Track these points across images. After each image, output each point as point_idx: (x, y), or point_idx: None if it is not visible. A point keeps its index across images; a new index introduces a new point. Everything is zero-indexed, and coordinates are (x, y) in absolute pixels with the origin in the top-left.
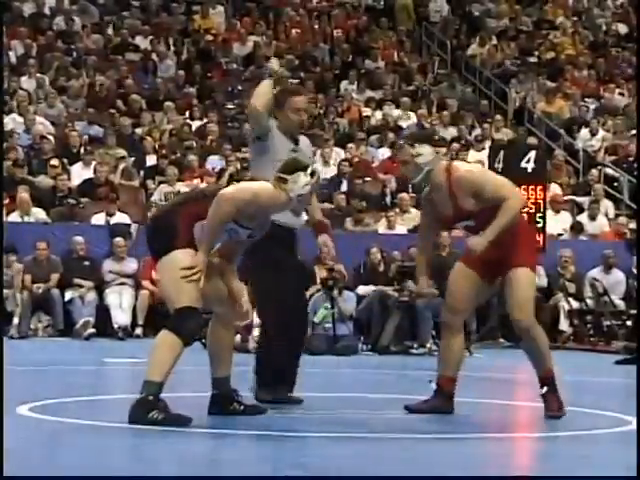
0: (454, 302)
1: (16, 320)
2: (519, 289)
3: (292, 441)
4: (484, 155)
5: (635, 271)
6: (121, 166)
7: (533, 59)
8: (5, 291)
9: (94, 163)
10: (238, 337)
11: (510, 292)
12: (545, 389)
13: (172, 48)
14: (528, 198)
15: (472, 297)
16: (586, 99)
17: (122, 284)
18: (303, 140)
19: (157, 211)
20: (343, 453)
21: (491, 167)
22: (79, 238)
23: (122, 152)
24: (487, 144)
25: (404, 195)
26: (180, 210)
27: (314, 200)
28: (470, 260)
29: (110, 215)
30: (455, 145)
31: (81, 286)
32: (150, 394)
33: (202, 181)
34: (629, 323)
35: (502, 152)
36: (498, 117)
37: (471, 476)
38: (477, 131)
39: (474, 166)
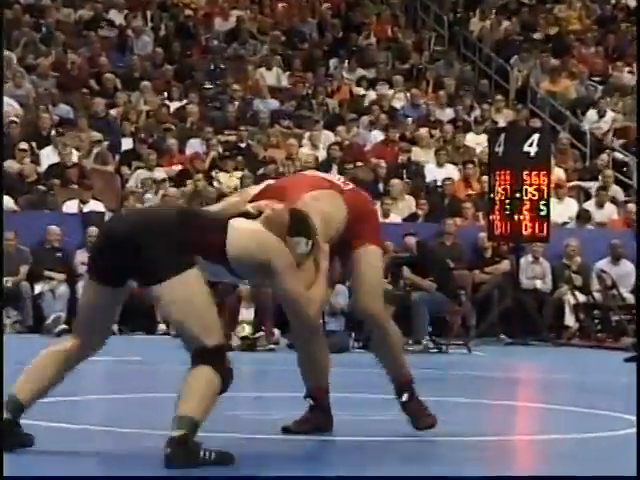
0: None
1: None
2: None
3: (280, 443)
4: (483, 138)
5: None
6: (95, 150)
7: (537, 35)
8: None
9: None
10: None
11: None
12: (405, 396)
13: (149, 23)
14: (531, 184)
15: None
16: (593, 78)
17: None
18: None
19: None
20: (331, 457)
21: (491, 151)
22: (54, 228)
23: (97, 135)
24: (487, 126)
25: (396, 181)
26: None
27: None
28: None
29: (83, 203)
30: (449, 127)
31: (52, 279)
32: (191, 433)
33: (183, 166)
34: None
35: (503, 135)
36: (499, 97)
37: (471, 476)
38: (476, 112)
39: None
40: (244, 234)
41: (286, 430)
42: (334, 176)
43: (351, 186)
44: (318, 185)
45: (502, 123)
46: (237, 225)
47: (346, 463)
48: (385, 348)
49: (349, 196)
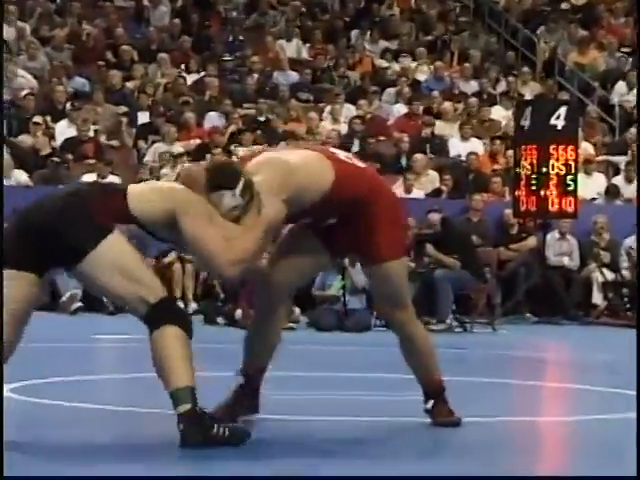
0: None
1: None
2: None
3: (295, 424)
4: (509, 112)
5: None
6: (124, 121)
7: (564, 5)
8: None
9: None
10: (239, 312)
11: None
12: (430, 403)
13: None
14: (558, 159)
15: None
16: (623, 49)
17: None
18: None
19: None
20: (350, 438)
21: (517, 125)
22: None
23: (121, 108)
24: (513, 99)
25: (419, 156)
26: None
27: None
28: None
29: (102, 178)
30: (473, 100)
31: None
32: (194, 402)
33: (201, 140)
34: None
35: (529, 108)
36: (525, 69)
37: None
38: (502, 85)
39: None
40: (144, 191)
41: (211, 417)
42: (342, 153)
43: (360, 164)
44: (301, 147)
45: (528, 96)
46: (136, 185)
47: (365, 445)
48: (411, 355)
49: (345, 166)
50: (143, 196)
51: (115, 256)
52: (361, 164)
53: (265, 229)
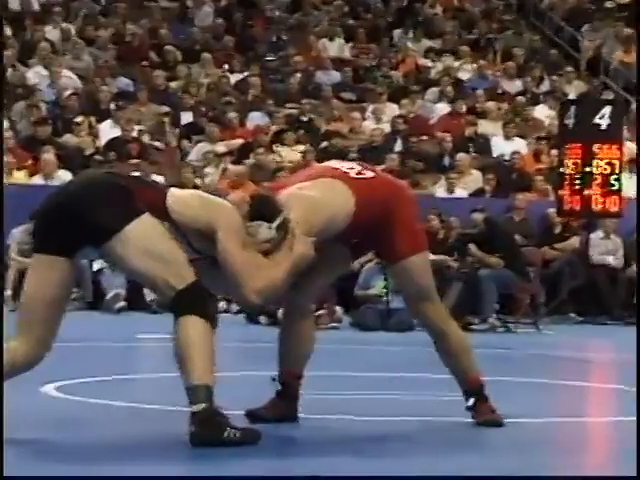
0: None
1: None
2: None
3: (334, 423)
4: (553, 111)
5: None
6: (167, 121)
7: (609, 3)
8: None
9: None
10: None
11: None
12: (471, 401)
13: None
14: (602, 158)
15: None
16: None
17: None
18: None
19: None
20: (390, 437)
21: (561, 124)
22: None
23: (165, 108)
24: (557, 98)
25: (462, 155)
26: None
27: None
28: None
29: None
30: (517, 99)
31: None
32: (210, 403)
33: (244, 140)
34: None
35: (574, 107)
36: (569, 68)
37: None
38: (546, 84)
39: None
40: (187, 195)
41: (250, 415)
42: (353, 166)
43: (369, 175)
44: (318, 175)
45: (573, 95)
46: (179, 189)
47: (402, 443)
48: (446, 353)
49: (360, 185)
50: (186, 199)
51: (146, 237)
52: (370, 173)
53: (292, 267)
